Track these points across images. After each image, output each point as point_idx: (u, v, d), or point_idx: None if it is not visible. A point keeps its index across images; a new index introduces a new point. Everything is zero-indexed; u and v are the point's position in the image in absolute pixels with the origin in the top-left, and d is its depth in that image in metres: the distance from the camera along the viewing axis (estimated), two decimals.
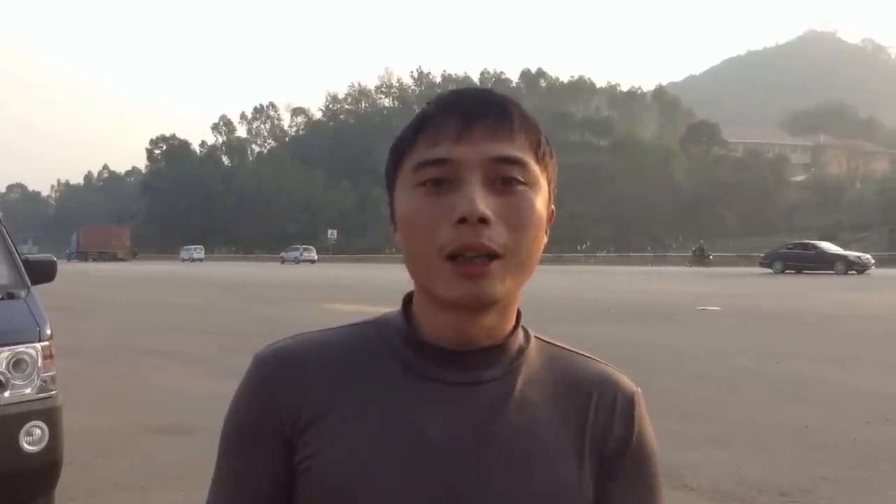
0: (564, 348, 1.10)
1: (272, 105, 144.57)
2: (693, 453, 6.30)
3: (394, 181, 1.02)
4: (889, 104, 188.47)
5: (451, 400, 0.99)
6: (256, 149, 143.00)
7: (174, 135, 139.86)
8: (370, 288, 27.49)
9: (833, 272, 38.99)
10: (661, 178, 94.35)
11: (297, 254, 74.26)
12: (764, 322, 16.47)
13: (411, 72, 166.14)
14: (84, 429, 6.76)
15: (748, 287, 29.56)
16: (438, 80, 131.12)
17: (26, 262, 5.00)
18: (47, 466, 4.38)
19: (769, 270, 41.68)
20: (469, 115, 0.96)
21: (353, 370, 1.02)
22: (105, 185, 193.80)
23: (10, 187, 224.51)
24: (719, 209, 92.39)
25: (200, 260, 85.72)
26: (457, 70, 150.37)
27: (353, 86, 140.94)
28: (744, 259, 59.24)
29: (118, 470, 6.03)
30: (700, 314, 18.25)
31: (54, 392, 4.48)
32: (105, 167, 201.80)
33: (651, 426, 1.08)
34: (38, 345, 4.43)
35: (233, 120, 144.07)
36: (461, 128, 0.96)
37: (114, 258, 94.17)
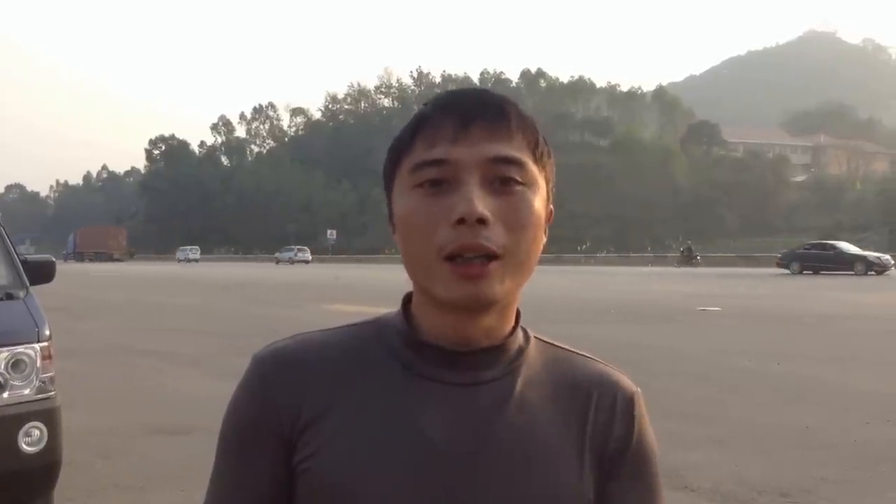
0: (564, 348, 1.10)
1: (271, 105, 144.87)
2: (693, 454, 6.29)
3: (392, 182, 1.01)
4: (889, 104, 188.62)
5: (450, 400, 0.99)
6: (256, 149, 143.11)
7: (173, 135, 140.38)
8: (369, 288, 27.48)
9: (852, 273, 38.29)
10: (662, 178, 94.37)
11: (291, 254, 75.11)
12: (764, 322, 16.46)
13: (411, 72, 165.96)
14: (83, 429, 6.76)
15: (748, 287, 29.53)
16: (438, 80, 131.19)
17: (25, 263, 4.99)
18: (46, 467, 4.37)
19: (786, 271, 40.95)
20: (466, 116, 0.96)
21: (353, 370, 1.02)
22: (104, 186, 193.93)
23: (8, 187, 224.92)
24: (719, 209, 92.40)
25: (196, 260, 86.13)
26: (456, 70, 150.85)
27: (353, 86, 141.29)
28: (744, 259, 59.26)
29: (117, 470, 6.03)
30: (700, 315, 18.25)
31: (53, 393, 4.47)
32: (104, 167, 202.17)
33: (651, 426, 1.08)
34: (36, 345, 4.42)
35: (232, 120, 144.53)
36: (459, 128, 0.95)
37: (110, 258, 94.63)
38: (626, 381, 1.08)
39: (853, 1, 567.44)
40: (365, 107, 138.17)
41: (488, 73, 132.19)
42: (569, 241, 72.98)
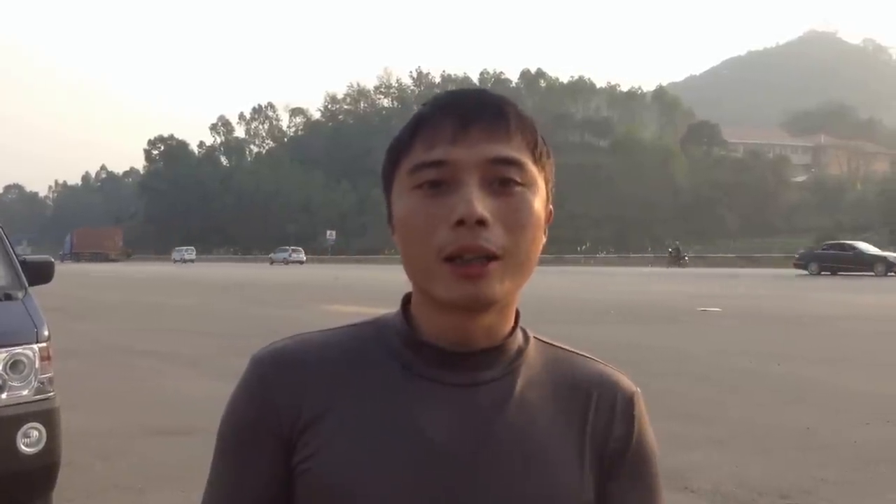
0: (564, 349, 1.10)
1: (271, 105, 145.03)
2: (694, 455, 6.28)
3: (391, 183, 1.01)
4: (890, 105, 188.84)
5: (450, 401, 0.99)
6: (255, 149, 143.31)
7: (172, 135, 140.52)
8: (369, 289, 27.45)
9: (872, 274, 37.52)
10: (662, 178, 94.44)
11: (285, 255, 75.88)
12: (764, 323, 16.45)
13: (410, 72, 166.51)
14: (82, 430, 6.74)
15: (754, 288, 29.51)
16: (438, 80, 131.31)
17: (24, 264, 4.98)
18: (45, 468, 4.36)
19: (804, 272, 40.10)
20: (465, 117, 0.96)
21: (352, 371, 1.02)
22: (103, 186, 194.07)
23: (7, 188, 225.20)
24: (719, 210, 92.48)
25: (192, 261, 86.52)
26: (456, 70, 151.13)
27: (352, 86, 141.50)
28: (744, 260, 59.27)
29: (116, 471, 6.01)
30: (700, 315, 18.24)
31: (52, 393, 4.46)
32: (103, 168, 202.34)
33: (651, 427, 1.08)
34: (35, 346, 4.42)
35: (231, 120, 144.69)
36: (458, 129, 0.95)
37: (106, 259, 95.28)
38: (626, 382, 1.08)
39: (854, 1, 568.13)
40: (364, 107, 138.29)
41: (488, 73, 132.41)
42: (569, 242, 72.99)
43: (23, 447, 4.24)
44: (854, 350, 12.29)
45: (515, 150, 0.96)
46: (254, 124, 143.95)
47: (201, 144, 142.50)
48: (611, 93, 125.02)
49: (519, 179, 0.96)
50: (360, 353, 1.03)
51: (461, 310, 0.96)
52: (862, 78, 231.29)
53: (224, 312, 20.23)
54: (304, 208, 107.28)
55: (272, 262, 75.21)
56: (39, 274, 5.08)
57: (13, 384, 4.31)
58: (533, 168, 0.98)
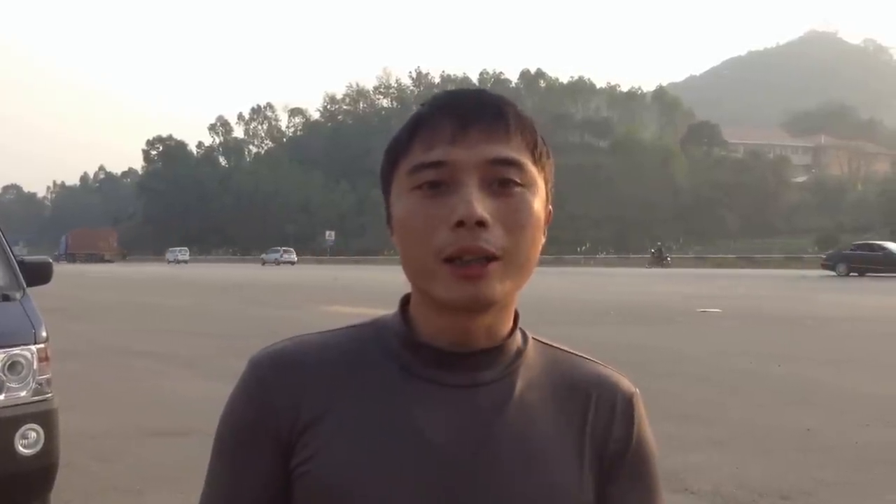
0: (563, 350, 1.10)
1: (269, 105, 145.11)
2: (693, 456, 6.27)
3: (389, 184, 1.01)
4: (890, 105, 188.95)
5: (449, 402, 0.99)
6: (254, 149, 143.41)
7: (171, 135, 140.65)
8: (368, 290, 27.44)
9: None
10: (662, 179, 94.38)
11: (276, 255, 77.13)
12: (764, 324, 16.44)
13: (410, 72, 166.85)
14: (80, 431, 6.74)
15: (748, 288, 29.50)
16: (437, 80, 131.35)
17: (22, 264, 4.97)
18: (43, 470, 4.35)
19: (832, 273, 39.19)
20: (465, 117, 0.95)
21: (351, 372, 1.01)
22: (101, 186, 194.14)
23: (5, 188, 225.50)
24: (720, 210, 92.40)
25: (185, 261, 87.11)
26: (455, 70, 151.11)
27: (351, 86, 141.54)
28: (744, 261, 59.28)
29: (114, 473, 6.01)
30: (700, 316, 18.23)
31: (50, 395, 4.46)
32: (101, 168, 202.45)
33: (650, 428, 1.08)
34: (33, 347, 4.41)
35: (230, 120, 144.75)
36: (457, 129, 0.95)
37: (101, 259, 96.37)
38: (626, 383, 1.08)
39: (854, 1, 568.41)
40: (364, 107, 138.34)
41: (487, 73, 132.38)
42: (569, 243, 73.01)
43: (21, 448, 4.23)
44: (856, 351, 12.28)
45: (515, 151, 0.96)
46: (253, 124, 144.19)
47: (200, 145, 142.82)
48: (611, 93, 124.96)
49: (518, 180, 0.95)
50: (358, 355, 1.03)
51: (461, 310, 0.96)
52: (862, 78, 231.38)
53: (222, 313, 20.24)
54: (303, 209, 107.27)
55: (264, 262, 76.19)
56: (37, 275, 5.06)
57: (11, 385, 4.30)
58: (532, 168, 0.97)
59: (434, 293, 0.95)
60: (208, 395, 7.02)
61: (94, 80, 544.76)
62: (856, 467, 6.09)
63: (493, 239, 0.92)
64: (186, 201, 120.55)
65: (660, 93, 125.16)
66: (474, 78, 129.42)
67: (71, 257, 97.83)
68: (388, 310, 1.07)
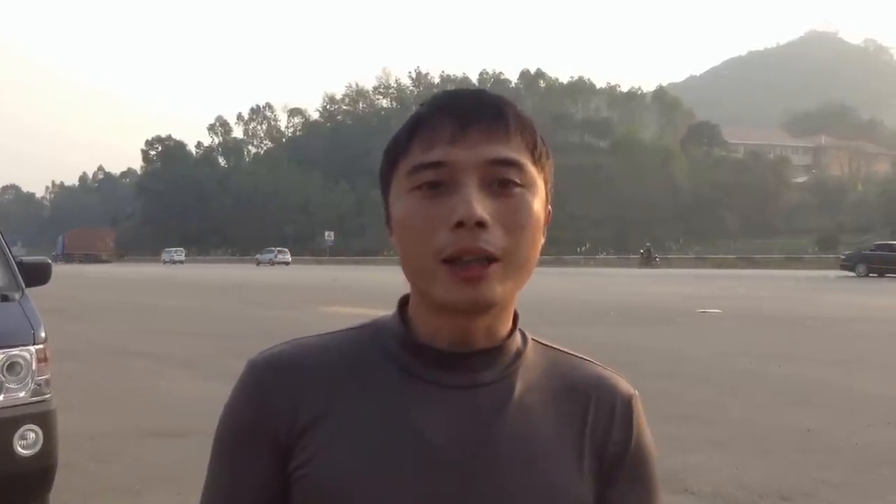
0: (562, 351, 1.09)
1: (269, 106, 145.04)
2: (694, 457, 6.26)
3: (389, 184, 1.00)
4: (891, 105, 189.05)
5: (448, 403, 0.98)
6: (253, 150, 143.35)
7: (170, 136, 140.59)
8: (367, 290, 27.43)
9: None
10: (662, 179, 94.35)
11: (271, 256, 77.58)
12: (765, 324, 16.43)
13: (409, 72, 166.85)
14: (79, 432, 6.74)
15: (749, 289, 29.49)
16: (437, 80, 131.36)
17: (20, 265, 4.97)
18: (41, 471, 4.35)
19: (851, 273, 38.56)
20: (464, 117, 0.95)
21: (350, 374, 1.01)
22: (100, 187, 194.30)
23: (4, 189, 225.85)
24: (720, 210, 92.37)
25: (181, 262, 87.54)
26: (455, 70, 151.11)
27: (351, 86, 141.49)
28: (744, 261, 59.29)
29: (113, 474, 5.99)
30: (700, 316, 18.23)
31: (49, 395, 4.45)
32: (100, 168, 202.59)
33: (650, 429, 1.08)
34: (32, 348, 4.40)
35: (229, 121, 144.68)
36: (457, 130, 0.94)
37: (98, 260, 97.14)
38: (625, 385, 1.08)
39: (854, 1, 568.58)
40: (363, 107, 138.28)
41: (487, 73, 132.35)
42: (569, 243, 73.00)
43: (19, 449, 4.23)
44: (857, 352, 12.27)
45: (514, 151, 0.95)
46: (252, 125, 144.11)
47: (199, 145, 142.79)
48: (611, 93, 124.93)
49: (518, 180, 0.95)
50: (358, 357, 1.02)
51: (460, 312, 0.96)
52: (863, 78, 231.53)
53: (221, 314, 20.23)
54: (302, 209, 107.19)
55: (258, 262, 76.83)
56: (36, 275, 5.06)
57: (10, 386, 4.30)
58: (532, 169, 0.97)
59: (433, 295, 0.95)
60: (207, 396, 7.01)
61: (93, 80, 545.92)
62: (857, 468, 6.08)
63: (493, 240, 0.92)
64: (185, 201, 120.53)
65: (660, 93, 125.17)
66: (474, 78, 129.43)
67: (68, 257, 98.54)
68: (388, 310, 1.07)
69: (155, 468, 6.12)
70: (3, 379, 4.28)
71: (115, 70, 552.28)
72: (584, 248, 79.28)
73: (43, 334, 4.49)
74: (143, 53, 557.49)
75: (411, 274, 0.97)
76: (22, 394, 4.33)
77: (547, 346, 1.09)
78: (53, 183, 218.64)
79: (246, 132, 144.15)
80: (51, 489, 4.47)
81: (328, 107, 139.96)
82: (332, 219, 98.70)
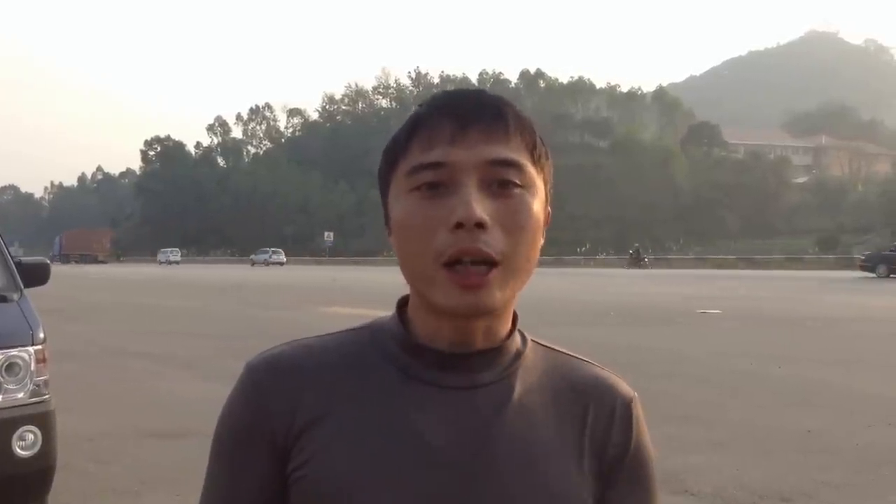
0: (562, 352, 1.09)
1: (268, 106, 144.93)
2: (694, 457, 6.26)
3: (387, 184, 1.00)
4: (891, 105, 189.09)
5: (447, 404, 0.98)
6: (252, 150, 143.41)
7: (169, 136, 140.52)
8: (367, 291, 27.44)
9: None
10: (662, 179, 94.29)
11: (266, 256, 78.53)
12: (765, 325, 16.42)
13: (409, 72, 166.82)
14: (78, 433, 6.74)
15: (749, 289, 29.47)
16: (436, 80, 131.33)
17: (19, 265, 4.96)
18: (40, 472, 4.34)
19: (871, 274, 37.64)
20: (464, 118, 0.95)
21: (348, 375, 1.01)
22: (99, 187, 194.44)
23: (2, 189, 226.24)
24: (720, 211, 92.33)
25: (177, 262, 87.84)
26: (455, 70, 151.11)
27: (350, 86, 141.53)
28: (744, 261, 59.26)
29: (112, 475, 5.99)
30: (700, 317, 18.21)
31: (47, 396, 4.45)
32: (99, 168, 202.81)
33: (650, 430, 1.08)
34: (30, 348, 4.39)
35: (228, 121, 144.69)
36: (456, 130, 0.94)
37: (94, 260, 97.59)
38: (624, 386, 1.08)
39: (855, 1, 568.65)
40: (362, 107, 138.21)
41: (487, 73, 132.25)
42: (569, 244, 72.99)
43: (18, 450, 4.22)
44: (856, 352, 12.26)
45: (514, 152, 0.95)
46: (251, 125, 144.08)
47: (198, 145, 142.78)
48: (611, 93, 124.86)
49: (518, 181, 0.95)
50: (357, 358, 1.02)
51: (460, 316, 0.96)
52: (863, 78, 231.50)
53: (220, 314, 20.22)
54: (301, 209, 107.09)
55: (253, 263, 77.35)
56: (35, 276, 5.06)
57: (8, 387, 4.29)
58: (532, 169, 0.97)
59: (433, 299, 0.95)
60: (206, 397, 7.01)
61: (92, 80, 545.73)
62: (857, 469, 6.07)
63: (493, 241, 0.92)
64: (184, 202, 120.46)
65: (660, 93, 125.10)
66: (474, 78, 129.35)
67: (64, 258, 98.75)
68: (388, 311, 1.06)
69: (154, 469, 6.12)
70: (2, 380, 4.27)
71: (115, 70, 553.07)
72: (584, 248, 79.27)
73: (42, 335, 4.49)
74: (142, 54, 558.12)
75: (410, 276, 0.97)
76: (21, 395, 4.32)
77: (546, 347, 1.09)
78: (52, 183, 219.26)
79: (245, 132, 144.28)
80: (49, 490, 4.46)
81: (327, 107, 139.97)
82: (332, 219, 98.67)
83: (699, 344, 13.24)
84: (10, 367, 4.30)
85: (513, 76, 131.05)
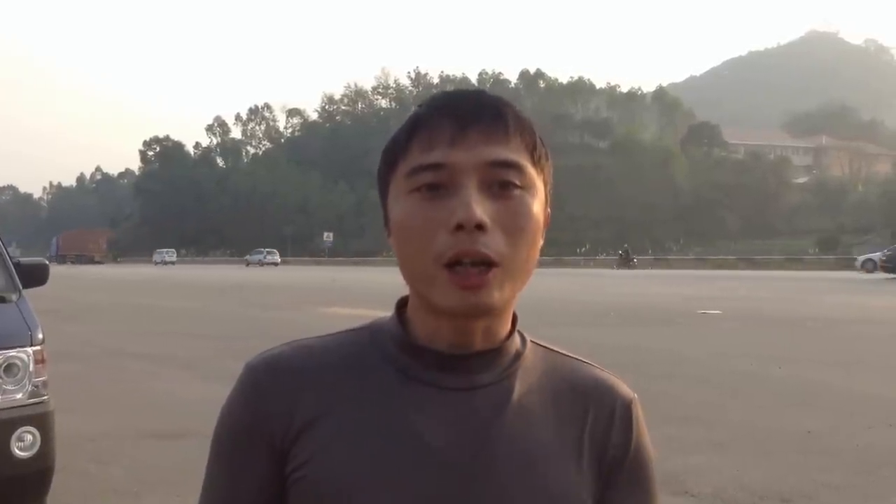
0: (562, 353, 1.09)
1: (267, 106, 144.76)
2: (694, 458, 6.25)
3: (387, 185, 1.00)
4: (892, 105, 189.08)
5: (447, 404, 0.98)
6: (251, 150, 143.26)
7: (168, 136, 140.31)
8: (366, 291, 27.46)
9: None
10: (662, 179, 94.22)
11: (260, 257, 79.15)
12: (765, 325, 16.41)
13: (408, 72, 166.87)
14: (77, 434, 6.73)
15: (749, 290, 29.47)
16: (436, 80, 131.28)
17: (18, 266, 4.94)
18: (39, 473, 4.33)
19: (893, 275, 36.76)
20: (464, 118, 0.95)
21: (347, 376, 1.01)
22: (98, 187, 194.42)
23: (1, 189, 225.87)
24: (720, 211, 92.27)
25: (172, 263, 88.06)
26: (454, 71, 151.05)
27: (350, 86, 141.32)
28: (744, 262, 59.28)
29: (111, 476, 5.99)
30: (700, 317, 18.21)
31: (46, 397, 4.44)
32: (98, 169, 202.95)
33: (649, 431, 1.08)
34: (29, 349, 4.39)
35: (227, 121, 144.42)
36: (456, 131, 0.94)
37: (91, 261, 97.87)
38: (624, 388, 1.08)
39: (855, 1, 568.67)
40: (362, 108, 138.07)
41: (486, 73, 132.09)
42: (568, 244, 73.01)
43: (17, 451, 4.21)
44: (857, 353, 12.25)
45: (514, 153, 0.95)
46: (250, 125, 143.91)
47: (197, 145, 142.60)
48: (610, 93, 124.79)
49: (518, 182, 0.94)
50: (357, 359, 1.02)
51: (459, 316, 0.96)
52: (863, 78, 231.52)
53: (220, 315, 20.21)
54: (301, 210, 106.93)
55: (248, 263, 77.86)
56: (33, 276, 5.04)
57: (7, 387, 4.29)
58: (532, 170, 0.96)
59: (433, 299, 0.95)
60: (205, 397, 7.00)
61: (91, 80, 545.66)
62: (858, 470, 6.06)
63: (492, 243, 0.91)
64: (183, 202, 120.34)
65: (660, 93, 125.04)
66: (473, 78, 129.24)
67: (62, 259, 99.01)
68: (387, 311, 1.06)
69: (154, 470, 6.11)
70: (1, 380, 4.26)
71: (114, 70, 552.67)
72: (583, 249, 79.27)
73: (40, 336, 4.48)
74: (141, 54, 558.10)
75: (410, 277, 0.97)
76: (19, 395, 4.32)
77: (546, 348, 1.08)
78: (51, 183, 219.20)
79: (244, 132, 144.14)
80: (48, 491, 4.45)
81: (327, 107, 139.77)
82: (331, 219, 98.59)
83: (699, 345, 13.24)
84: (9, 367, 4.30)
85: (512, 76, 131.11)
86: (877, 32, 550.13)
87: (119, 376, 10.60)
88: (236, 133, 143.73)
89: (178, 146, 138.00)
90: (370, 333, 1.05)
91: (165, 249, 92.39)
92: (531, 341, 1.07)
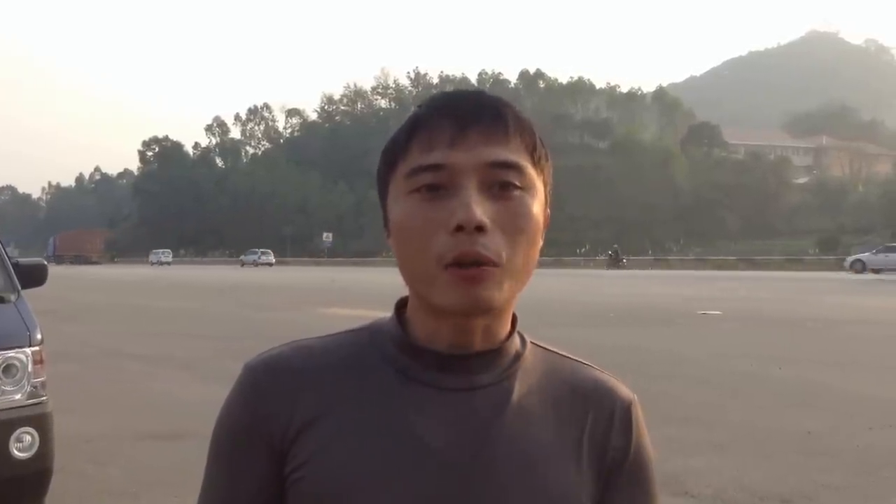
0: (561, 354, 1.09)
1: (266, 106, 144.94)
2: (694, 459, 6.24)
3: (387, 185, 0.99)
4: (892, 105, 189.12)
5: (446, 405, 0.98)
6: (251, 150, 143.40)
7: (167, 136, 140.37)
8: (366, 291, 27.45)
9: None
10: (662, 180, 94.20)
11: (255, 257, 79.70)
12: (765, 326, 16.40)
13: (408, 72, 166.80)
14: (75, 434, 6.72)
15: (749, 291, 29.46)
16: (435, 80, 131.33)
17: (16, 266, 4.93)
18: (38, 474, 4.33)
19: (879, 276, 37.00)
20: (463, 119, 0.94)
21: (347, 377, 1.00)
22: (97, 187, 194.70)
23: (0, 189, 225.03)
24: (720, 211, 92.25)
25: (168, 263, 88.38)
26: (454, 71, 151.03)
27: (349, 86, 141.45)
28: (745, 262, 59.24)
29: (109, 476, 5.98)
30: (701, 318, 18.20)
31: (45, 398, 4.44)
32: (97, 169, 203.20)
33: (649, 432, 1.08)
34: (28, 350, 4.38)
35: (226, 121, 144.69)
36: (456, 132, 0.94)
37: (88, 261, 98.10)
38: (624, 389, 1.08)
39: (855, 1, 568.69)
40: (361, 108, 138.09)
41: (486, 73, 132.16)
42: (568, 244, 73.04)
43: (15, 452, 4.21)
44: (859, 354, 12.25)
45: (514, 154, 0.95)
46: (249, 125, 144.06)
47: (196, 145, 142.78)
48: (610, 93, 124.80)
49: (518, 183, 0.94)
50: (356, 359, 1.02)
51: (459, 315, 0.95)
52: (864, 79, 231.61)
53: (218, 315, 20.19)
54: (300, 210, 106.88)
55: (243, 264, 78.14)
56: (32, 277, 5.03)
57: (6, 388, 4.28)
58: (532, 171, 0.96)
59: (432, 299, 0.94)
60: (204, 398, 6.99)
61: (90, 80, 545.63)
62: (858, 470, 6.06)
63: (492, 245, 0.91)
64: (182, 202, 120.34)
65: (660, 93, 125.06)
66: (473, 78, 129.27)
67: (59, 259, 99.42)
68: (387, 312, 1.06)
69: (152, 471, 6.11)
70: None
71: (113, 71, 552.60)
72: (583, 249, 79.25)
73: (39, 336, 4.48)
74: (141, 54, 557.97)
75: (410, 277, 0.97)
76: (18, 396, 4.31)
77: (546, 349, 1.08)
78: (50, 184, 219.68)
79: (243, 133, 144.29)
80: (47, 492, 4.45)
81: (326, 107, 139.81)
82: (331, 220, 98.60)
83: (699, 345, 13.23)
84: (8, 368, 4.29)
85: (512, 76, 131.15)
86: (877, 32, 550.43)
87: (117, 377, 10.60)
88: (235, 133, 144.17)
89: (178, 146, 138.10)
90: (370, 334, 1.04)
91: (161, 250, 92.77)
92: (531, 342, 1.06)
